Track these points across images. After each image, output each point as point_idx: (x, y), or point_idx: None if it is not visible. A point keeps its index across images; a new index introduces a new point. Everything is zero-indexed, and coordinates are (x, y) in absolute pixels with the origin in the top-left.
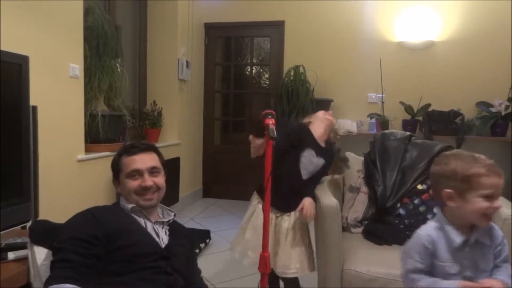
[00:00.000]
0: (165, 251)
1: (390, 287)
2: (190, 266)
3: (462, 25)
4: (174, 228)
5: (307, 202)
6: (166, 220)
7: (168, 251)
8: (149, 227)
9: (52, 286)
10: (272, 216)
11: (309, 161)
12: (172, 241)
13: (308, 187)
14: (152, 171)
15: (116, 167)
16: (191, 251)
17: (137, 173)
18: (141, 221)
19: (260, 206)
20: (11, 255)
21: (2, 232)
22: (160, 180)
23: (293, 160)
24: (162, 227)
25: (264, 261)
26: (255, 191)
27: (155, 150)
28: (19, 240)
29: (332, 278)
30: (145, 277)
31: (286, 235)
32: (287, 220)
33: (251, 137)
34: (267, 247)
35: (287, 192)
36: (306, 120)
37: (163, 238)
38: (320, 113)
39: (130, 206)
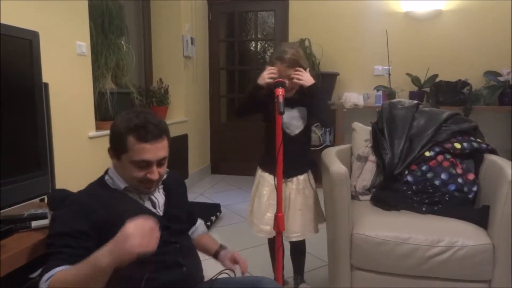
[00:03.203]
0: (164, 220)
1: (399, 249)
2: (188, 212)
3: None
4: (168, 185)
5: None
6: (160, 183)
7: (168, 218)
8: (146, 198)
9: (45, 276)
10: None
11: (288, 117)
12: (169, 202)
13: (301, 142)
14: (161, 162)
15: (120, 144)
16: (187, 198)
17: (146, 164)
18: (135, 196)
19: (264, 174)
20: (33, 224)
21: (22, 204)
22: (164, 169)
23: (271, 125)
24: (159, 192)
25: (278, 221)
26: (258, 164)
27: (167, 133)
28: (39, 211)
29: (341, 242)
30: (156, 253)
31: (290, 199)
32: (291, 185)
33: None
34: (281, 208)
35: (284, 157)
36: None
37: (160, 205)
38: (265, 73)
39: (123, 186)
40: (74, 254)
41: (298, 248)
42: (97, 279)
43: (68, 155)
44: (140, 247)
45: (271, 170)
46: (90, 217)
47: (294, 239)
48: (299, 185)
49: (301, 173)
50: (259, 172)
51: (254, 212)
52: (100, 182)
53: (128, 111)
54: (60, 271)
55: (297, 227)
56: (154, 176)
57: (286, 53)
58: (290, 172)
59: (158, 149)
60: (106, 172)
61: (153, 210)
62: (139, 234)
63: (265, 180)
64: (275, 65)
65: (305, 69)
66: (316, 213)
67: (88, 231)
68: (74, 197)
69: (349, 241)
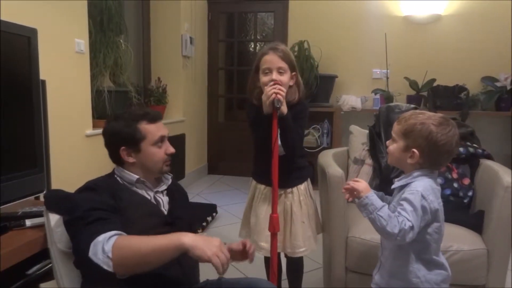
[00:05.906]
0: (169, 217)
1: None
2: (192, 217)
3: None
4: (172, 189)
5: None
6: (165, 187)
7: (172, 216)
8: (152, 197)
9: (102, 236)
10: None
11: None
12: (173, 204)
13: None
14: (168, 138)
15: (136, 135)
16: (189, 203)
17: (162, 140)
18: (143, 192)
19: (260, 187)
20: (28, 222)
21: (17, 202)
22: None
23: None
24: (163, 195)
25: (273, 222)
26: (252, 176)
27: None
28: (34, 209)
29: (336, 245)
30: None
31: (292, 212)
32: (291, 197)
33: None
34: (276, 209)
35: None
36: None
37: (164, 204)
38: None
39: (135, 178)
40: (116, 223)
41: (296, 265)
42: (162, 254)
43: (64, 153)
44: (214, 256)
45: (268, 182)
46: (113, 198)
47: (300, 255)
48: (300, 196)
49: (300, 182)
50: (253, 183)
51: (251, 228)
52: (110, 177)
53: (116, 116)
54: (123, 235)
55: (301, 241)
56: (171, 149)
57: (280, 45)
58: (288, 182)
59: (164, 127)
60: (113, 172)
61: (159, 207)
62: (220, 248)
63: (261, 193)
64: (268, 54)
65: (295, 70)
66: (316, 224)
67: (115, 205)
68: (93, 182)
69: (344, 244)
